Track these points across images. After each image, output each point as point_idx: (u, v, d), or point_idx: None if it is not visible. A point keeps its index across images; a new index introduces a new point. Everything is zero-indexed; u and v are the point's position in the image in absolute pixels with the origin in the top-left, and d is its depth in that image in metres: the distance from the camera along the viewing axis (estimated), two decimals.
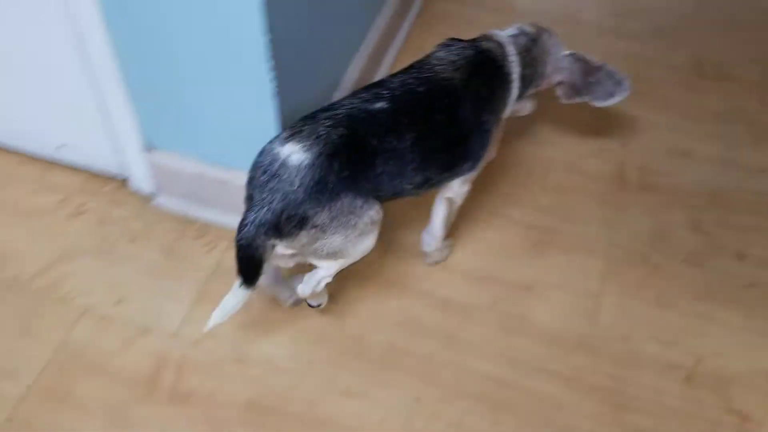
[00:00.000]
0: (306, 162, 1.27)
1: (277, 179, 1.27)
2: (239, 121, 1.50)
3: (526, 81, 1.58)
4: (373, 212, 1.35)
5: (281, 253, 1.35)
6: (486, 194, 1.80)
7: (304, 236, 1.30)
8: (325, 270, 1.42)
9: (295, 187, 1.26)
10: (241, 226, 1.28)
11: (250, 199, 1.32)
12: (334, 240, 1.32)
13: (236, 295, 1.34)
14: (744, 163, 1.91)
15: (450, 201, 1.60)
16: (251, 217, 1.27)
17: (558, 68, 1.65)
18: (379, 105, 1.36)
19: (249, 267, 1.31)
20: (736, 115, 2.03)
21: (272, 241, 1.29)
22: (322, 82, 1.71)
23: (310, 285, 1.44)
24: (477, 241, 1.72)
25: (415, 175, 1.40)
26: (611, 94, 1.67)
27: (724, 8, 2.37)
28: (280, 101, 1.43)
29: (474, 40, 1.54)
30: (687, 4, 2.39)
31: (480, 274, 1.66)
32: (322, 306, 1.55)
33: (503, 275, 1.66)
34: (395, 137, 1.35)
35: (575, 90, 1.67)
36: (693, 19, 2.33)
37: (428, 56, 1.50)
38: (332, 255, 1.36)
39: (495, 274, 1.66)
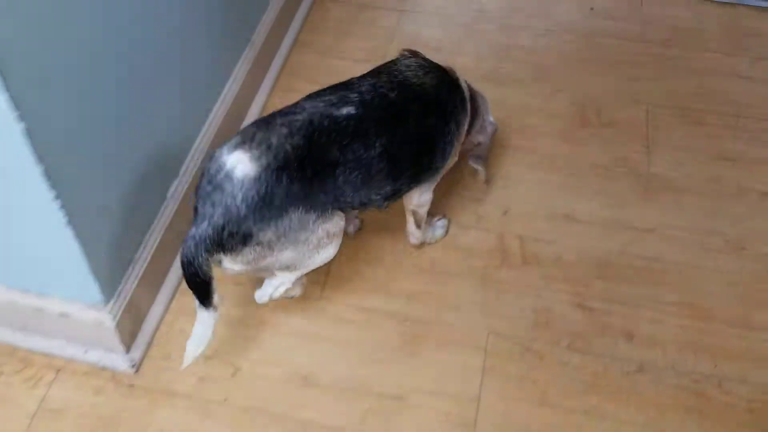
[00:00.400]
0: (251, 175, 1.19)
1: (220, 192, 1.20)
2: (40, 250, 1.28)
3: (471, 120, 1.57)
4: (330, 225, 1.29)
5: (230, 267, 1.27)
6: (350, 283, 1.63)
7: (249, 253, 1.23)
8: (282, 278, 1.37)
9: (238, 202, 1.18)
10: (184, 241, 1.21)
11: (195, 210, 1.24)
12: (284, 256, 1.26)
13: (201, 320, 1.27)
14: (630, 223, 1.78)
15: (414, 213, 1.58)
16: (192, 232, 1.21)
17: (483, 128, 1.66)
18: (347, 110, 1.29)
19: (198, 286, 1.23)
20: (621, 166, 1.91)
21: (216, 257, 1.22)
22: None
23: (266, 292, 1.41)
24: (342, 345, 1.54)
25: (384, 185, 1.35)
26: (486, 179, 1.76)
27: (604, 45, 2.25)
28: (76, 226, 1.21)
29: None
30: (567, 42, 2.26)
31: (346, 385, 1.48)
32: (297, 294, 1.54)
33: (372, 384, 1.48)
34: (362, 146, 1.28)
35: (484, 156, 1.69)
36: (574, 59, 2.20)
37: (394, 62, 1.46)
38: (286, 269, 1.31)
39: (364, 384, 1.48)
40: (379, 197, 1.37)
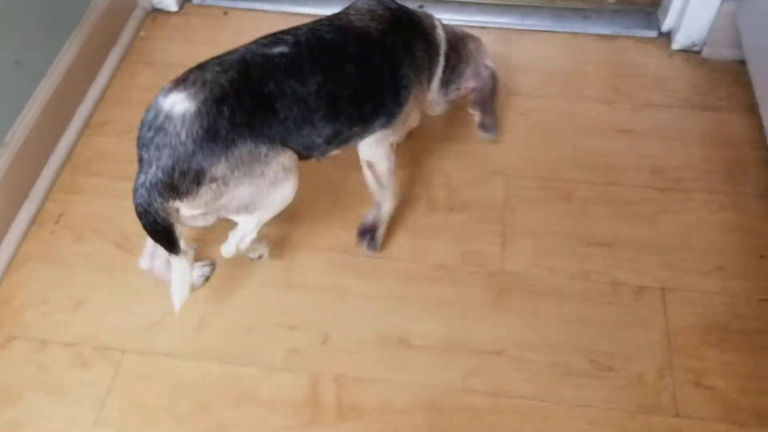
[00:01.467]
0: (191, 110, 1.19)
1: (162, 134, 1.19)
2: None
3: (450, 67, 1.57)
4: (284, 158, 1.29)
5: (189, 214, 1.26)
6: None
7: (205, 192, 1.22)
8: (245, 225, 1.36)
9: (183, 139, 1.18)
10: (134, 191, 1.21)
11: (140, 160, 1.23)
12: (241, 192, 1.26)
13: (176, 266, 1.30)
14: (475, 344, 1.44)
15: (370, 166, 1.51)
16: (141, 180, 1.20)
17: (477, 74, 1.64)
18: (279, 49, 1.30)
19: (159, 234, 1.24)
20: (470, 264, 1.57)
21: (172, 203, 1.21)
22: None
23: (232, 244, 1.39)
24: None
25: (324, 125, 1.34)
26: (489, 129, 1.71)
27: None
28: None
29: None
30: None
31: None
32: (264, 257, 1.57)
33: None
34: (297, 82, 1.29)
35: (482, 102, 1.67)
36: None
37: (347, 7, 1.46)
38: (245, 209, 1.31)
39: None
40: (321, 140, 1.35)
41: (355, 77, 1.36)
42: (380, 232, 1.58)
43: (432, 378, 1.41)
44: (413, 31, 1.47)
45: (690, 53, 1.97)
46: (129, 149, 1.75)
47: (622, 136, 1.80)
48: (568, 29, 2.03)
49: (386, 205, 1.57)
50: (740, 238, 1.60)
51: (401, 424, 1.35)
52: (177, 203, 1.22)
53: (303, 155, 1.37)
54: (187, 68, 1.30)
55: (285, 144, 1.30)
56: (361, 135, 1.44)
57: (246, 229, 1.37)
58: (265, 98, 1.26)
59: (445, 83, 1.59)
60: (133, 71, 1.97)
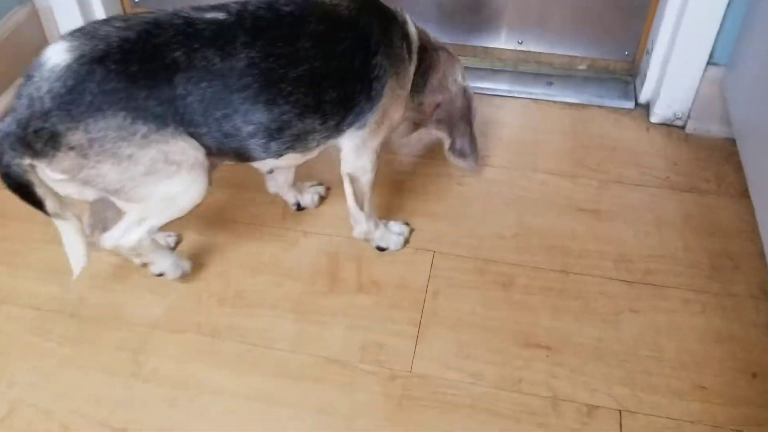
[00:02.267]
0: (61, 65, 1.04)
1: (29, 82, 1.05)
2: None
3: (420, 71, 1.32)
4: (172, 147, 1.09)
5: (52, 178, 1.09)
6: None
7: (62, 159, 1.06)
8: (129, 216, 1.18)
9: (42, 93, 1.03)
10: None
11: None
12: (103, 171, 1.08)
13: (61, 230, 1.18)
14: None
15: (353, 180, 1.31)
16: None
17: (443, 87, 1.38)
18: (212, 15, 1.12)
19: (16, 190, 1.10)
20: (371, 361, 1.20)
21: (27, 160, 1.06)
22: None
23: (112, 234, 1.20)
24: None
25: (253, 109, 1.12)
26: (464, 155, 1.44)
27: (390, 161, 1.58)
28: None
29: None
30: None
31: None
32: (168, 276, 1.31)
33: None
34: (218, 54, 1.09)
35: (447, 120, 1.41)
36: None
37: None
38: (116, 193, 1.12)
39: None
40: (251, 129, 1.13)
41: (310, 56, 1.15)
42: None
43: None
44: (390, 18, 1.25)
45: (671, 127, 1.66)
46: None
47: (583, 215, 1.46)
48: (529, 95, 1.74)
49: (360, 228, 1.38)
50: (727, 349, 1.22)
51: None
52: (35, 162, 1.08)
53: (228, 152, 1.17)
54: None
55: (186, 130, 1.11)
56: (326, 135, 1.22)
57: (130, 221, 1.19)
58: (163, 67, 1.07)
59: (413, 91, 1.33)
60: None
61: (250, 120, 1.14)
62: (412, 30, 1.31)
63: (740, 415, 1.13)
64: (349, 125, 1.22)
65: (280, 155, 1.21)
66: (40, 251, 1.39)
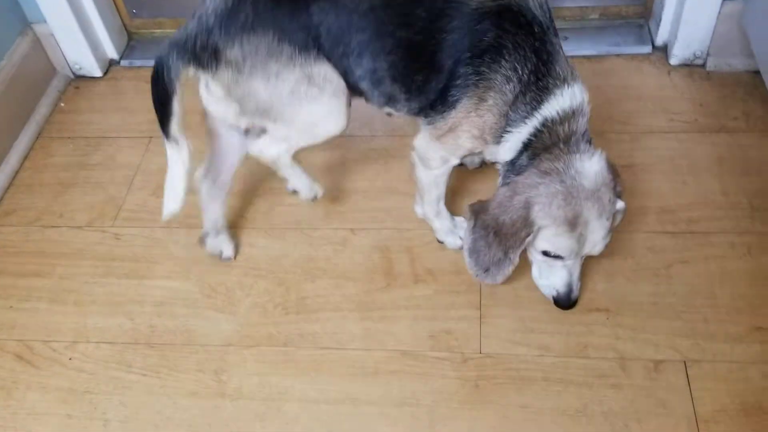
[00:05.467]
0: None
1: (201, 4, 1.16)
2: None
3: (528, 149, 1.15)
4: (315, 69, 1.16)
5: (214, 92, 1.19)
6: None
7: (223, 73, 1.15)
8: (272, 134, 1.25)
9: (209, 12, 1.14)
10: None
11: None
12: (255, 88, 1.16)
13: (169, 159, 1.23)
14: None
15: (415, 164, 1.30)
16: (173, 36, 1.17)
17: (512, 194, 1.15)
18: None
19: (157, 97, 1.19)
20: (439, 348, 1.26)
21: (191, 70, 1.17)
22: None
23: (258, 144, 1.28)
24: None
25: (362, 54, 1.16)
26: (472, 256, 1.21)
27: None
28: None
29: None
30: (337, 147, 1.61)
31: None
32: (306, 196, 1.39)
33: None
34: None
35: (482, 216, 1.18)
36: (344, 162, 1.56)
37: None
38: (266, 114, 1.20)
39: None
40: (361, 73, 1.18)
41: (417, 27, 1.13)
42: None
43: None
44: (518, 39, 1.11)
45: (692, 67, 1.67)
46: (37, 241, 1.52)
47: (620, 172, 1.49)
48: None
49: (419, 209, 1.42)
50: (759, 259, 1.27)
51: None
52: (200, 73, 1.18)
53: (350, 85, 1.21)
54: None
55: (321, 49, 1.16)
56: (407, 109, 1.23)
57: (274, 136, 1.26)
58: None
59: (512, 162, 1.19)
60: (49, 149, 1.72)
61: (359, 63, 1.18)
62: (561, 102, 1.12)
63: None
64: (425, 115, 1.22)
65: (381, 106, 1.25)
66: (98, 286, 1.44)
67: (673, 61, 1.67)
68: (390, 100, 1.23)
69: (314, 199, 1.41)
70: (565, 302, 1.22)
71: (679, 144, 1.52)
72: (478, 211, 1.19)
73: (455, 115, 1.17)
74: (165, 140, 1.21)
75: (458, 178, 1.49)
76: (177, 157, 1.22)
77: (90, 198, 1.60)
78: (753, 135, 1.51)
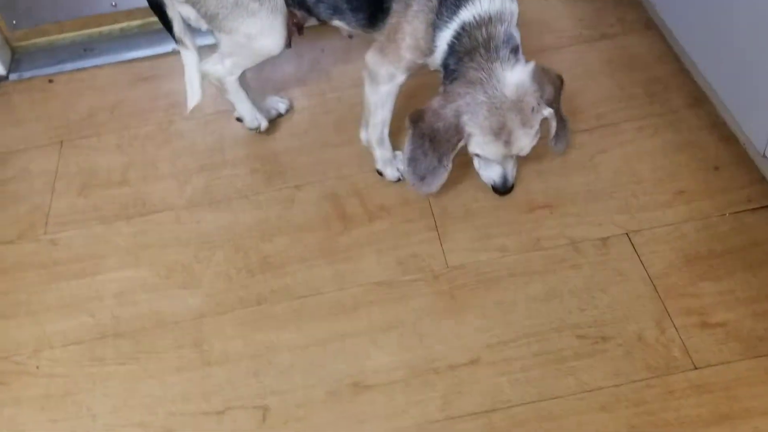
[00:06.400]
0: None
1: None
2: None
3: (453, 53, 1.24)
4: None
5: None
6: None
7: None
8: (222, 50, 1.41)
9: None
10: None
11: None
12: None
13: (183, 59, 1.41)
14: (445, 359, 1.18)
15: (365, 78, 1.36)
16: None
17: (444, 101, 1.24)
18: None
19: (154, 8, 1.37)
20: (412, 271, 1.32)
21: None
22: None
23: (210, 61, 1.44)
24: None
25: None
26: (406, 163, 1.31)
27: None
28: None
29: None
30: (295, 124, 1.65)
31: None
32: (250, 125, 1.56)
33: None
34: None
35: (418, 122, 1.27)
36: (297, 136, 1.60)
37: None
38: (212, 20, 1.34)
39: None
40: None
41: None
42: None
43: (405, 418, 1.14)
44: None
45: None
46: None
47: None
48: None
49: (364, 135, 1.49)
50: (688, 155, 1.43)
51: None
52: None
53: (298, 3, 1.35)
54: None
55: None
56: (356, 19, 1.32)
57: (221, 54, 1.42)
58: None
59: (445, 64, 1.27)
60: None
61: None
62: (477, 7, 1.21)
63: (719, 203, 1.35)
64: (371, 27, 1.30)
65: (330, 19, 1.36)
66: (47, 292, 1.38)
67: None
68: (336, 12, 1.33)
69: (257, 129, 1.55)
70: (502, 189, 1.33)
71: (571, 55, 1.66)
72: (416, 120, 1.26)
73: (390, 22, 1.26)
74: (176, 44, 1.41)
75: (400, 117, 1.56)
76: (186, 54, 1.40)
77: (13, 211, 1.53)
78: (631, 36, 1.68)
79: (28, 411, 1.22)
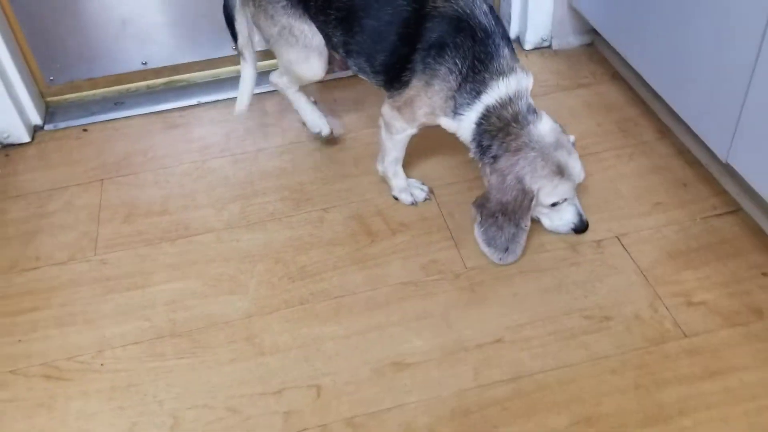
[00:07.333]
0: None
1: None
2: None
3: (485, 132, 1.43)
4: (295, 22, 1.53)
5: (247, 16, 1.62)
6: None
7: (250, 5, 1.59)
8: (280, 66, 1.69)
9: None
10: None
11: None
12: (261, 21, 1.58)
13: (242, 72, 1.69)
14: (471, 341, 1.36)
15: (381, 120, 1.58)
16: None
17: (502, 175, 1.42)
18: None
19: (225, 19, 1.65)
20: (434, 273, 1.52)
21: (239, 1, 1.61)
22: None
23: (275, 73, 1.75)
24: None
25: (337, 29, 1.49)
26: (489, 244, 1.49)
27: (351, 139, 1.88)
28: None
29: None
30: (310, 153, 1.86)
31: None
32: (313, 129, 1.83)
33: None
34: None
35: (485, 203, 1.46)
36: (322, 164, 1.81)
37: None
38: (268, 41, 1.61)
39: None
40: (336, 41, 1.52)
41: (383, 21, 1.42)
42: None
43: (443, 388, 1.30)
44: (458, 41, 1.37)
45: (542, 49, 2.13)
46: (21, 284, 1.58)
47: None
48: None
49: (380, 167, 1.68)
50: (660, 176, 1.68)
51: None
52: (245, 3, 1.61)
53: (329, 45, 1.57)
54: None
55: (310, 19, 1.53)
56: (375, 80, 1.53)
57: (280, 68, 1.70)
58: None
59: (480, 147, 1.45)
60: (1, 209, 1.77)
61: (335, 34, 1.51)
62: (498, 92, 1.38)
63: (690, 211, 1.59)
64: (388, 89, 1.50)
65: (356, 73, 1.58)
66: (102, 303, 1.52)
67: (527, 47, 2.12)
68: (360, 70, 1.54)
69: (318, 135, 1.82)
70: (583, 227, 1.51)
71: (553, 101, 1.94)
72: (481, 204, 1.44)
73: (408, 93, 1.46)
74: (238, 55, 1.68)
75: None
76: (245, 66, 1.66)
77: (62, 238, 1.67)
78: (602, 85, 1.97)
79: (96, 402, 1.34)
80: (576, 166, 1.44)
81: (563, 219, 1.51)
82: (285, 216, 1.68)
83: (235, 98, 1.72)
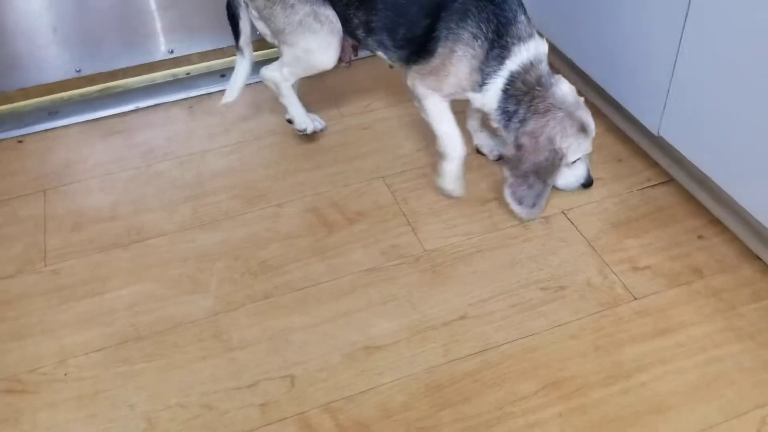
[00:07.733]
0: None
1: None
2: None
3: (510, 97, 1.51)
4: (318, 8, 1.55)
5: (252, 14, 1.65)
6: None
7: (258, 1, 1.59)
8: (283, 56, 1.68)
9: None
10: None
11: None
12: (276, 13, 1.57)
13: (237, 65, 1.74)
14: (437, 319, 1.41)
15: (413, 97, 1.61)
16: None
17: (534, 136, 1.51)
18: None
19: (229, 18, 1.68)
20: (395, 258, 1.55)
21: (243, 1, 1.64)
22: None
23: (271, 68, 1.73)
24: None
25: (359, 9, 1.52)
26: (520, 202, 1.58)
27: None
28: None
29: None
30: (260, 150, 1.87)
31: None
32: (300, 126, 1.82)
33: None
34: None
35: (517, 164, 1.55)
36: (281, 160, 1.82)
37: None
38: (278, 34, 1.61)
39: None
40: (356, 22, 1.54)
41: None
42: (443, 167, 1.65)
43: (415, 366, 1.34)
44: (480, 5, 1.43)
45: None
46: None
47: None
48: None
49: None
50: (596, 153, 1.76)
51: (415, 418, 1.25)
52: (248, 1, 1.63)
53: (349, 32, 1.59)
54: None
55: (330, 4, 1.56)
56: (397, 55, 1.56)
57: (283, 61, 1.68)
58: None
59: (504, 113, 1.53)
60: None
61: (357, 15, 1.54)
62: (522, 55, 1.46)
63: (627, 184, 1.70)
64: (413, 62, 1.53)
65: (375, 51, 1.60)
66: (59, 312, 1.48)
67: None
68: (381, 46, 1.57)
69: (304, 131, 1.82)
70: (591, 181, 1.65)
71: None
72: (513, 167, 1.52)
73: (434, 62, 1.50)
74: (236, 50, 1.72)
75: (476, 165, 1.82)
76: (241, 61, 1.72)
77: (7, 251, 1.62)
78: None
79: (65, 412, 1.31)
80: (592, 123, 1.55)
81: (576, 175, 1.62)
82: (239, 214, 1.68)
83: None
